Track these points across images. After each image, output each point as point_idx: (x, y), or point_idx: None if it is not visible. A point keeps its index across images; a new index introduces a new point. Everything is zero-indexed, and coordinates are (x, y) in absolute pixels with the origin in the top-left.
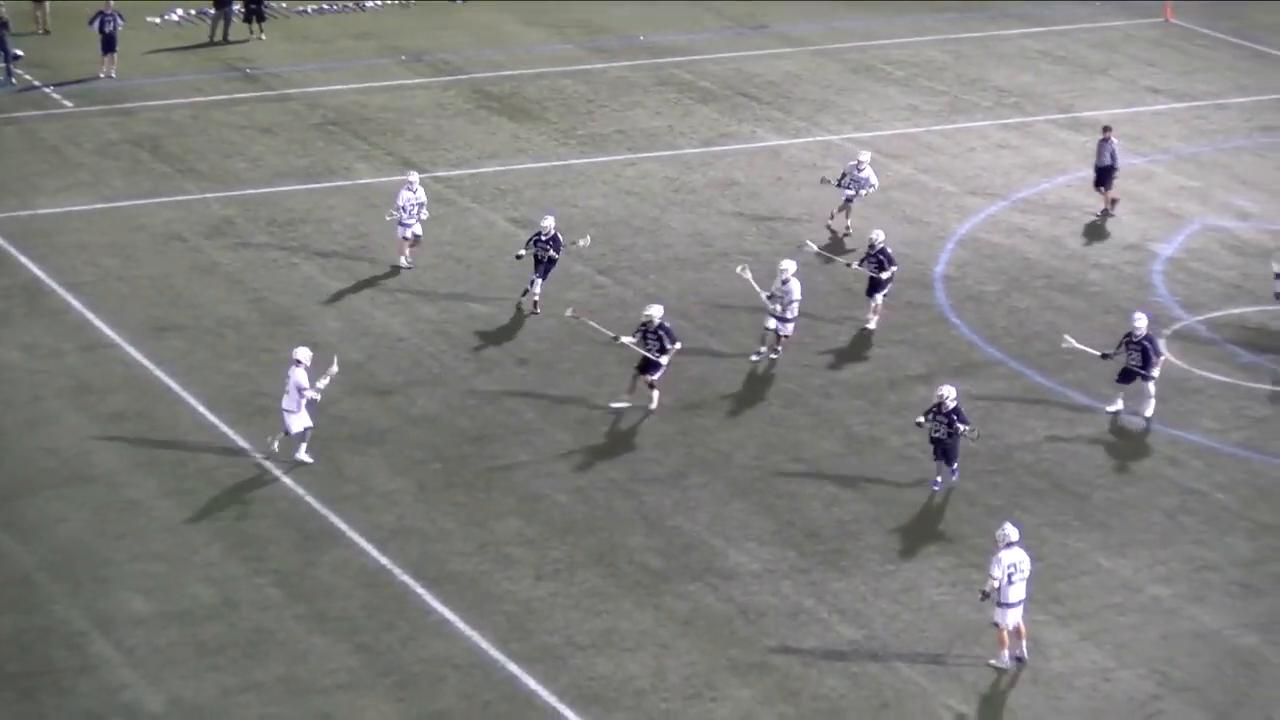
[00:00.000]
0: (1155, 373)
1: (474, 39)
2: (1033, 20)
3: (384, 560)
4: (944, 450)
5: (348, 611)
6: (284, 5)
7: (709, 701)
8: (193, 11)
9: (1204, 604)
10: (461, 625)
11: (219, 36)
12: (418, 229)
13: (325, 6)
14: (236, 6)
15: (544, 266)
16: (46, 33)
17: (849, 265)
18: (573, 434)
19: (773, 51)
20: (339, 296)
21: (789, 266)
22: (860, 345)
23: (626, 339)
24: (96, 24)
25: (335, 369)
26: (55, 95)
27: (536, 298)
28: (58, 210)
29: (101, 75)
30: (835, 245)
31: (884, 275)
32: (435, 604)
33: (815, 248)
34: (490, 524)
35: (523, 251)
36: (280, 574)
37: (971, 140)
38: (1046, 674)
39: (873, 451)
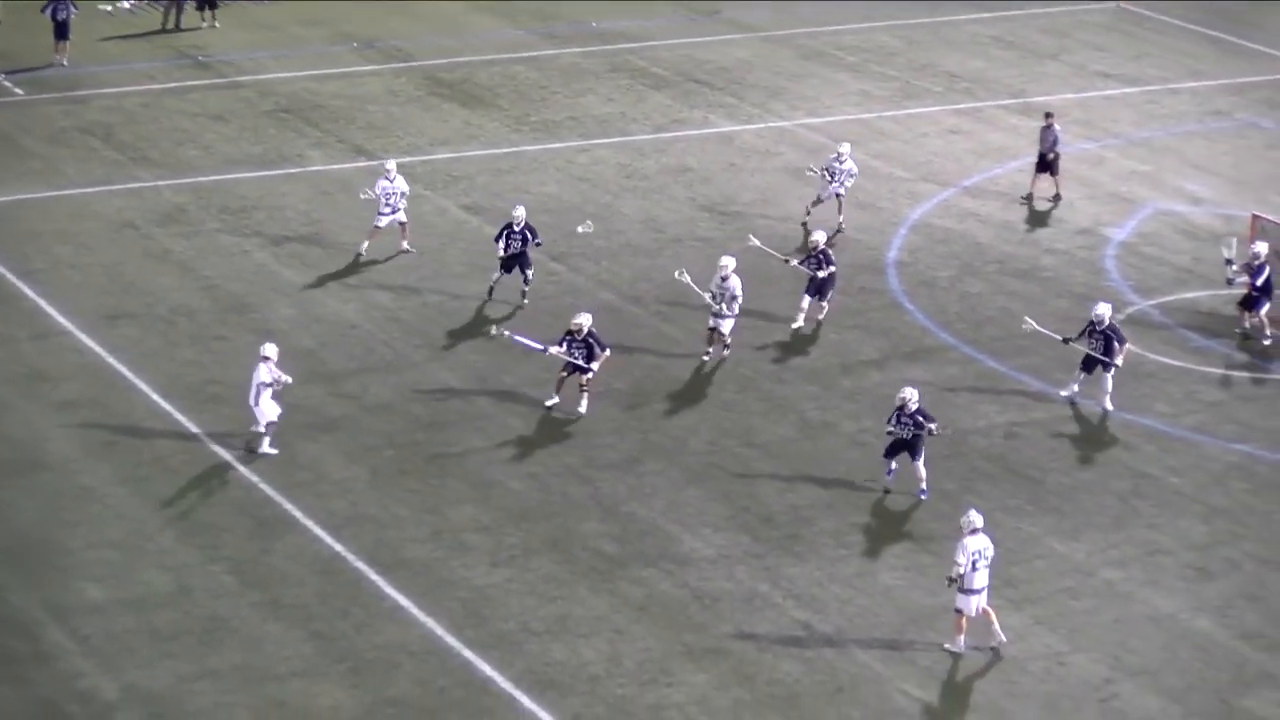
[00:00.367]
0: (1119, 360)
1: (426, 26)
2: (983, 6)
3: (338, 547)
4: (909, 448)
5: (302, 599)
6: None
7: (664, 687)
8: None
9: (1157, 588)
10: (416, 612)
11: (172, 24)
12: (402, 216)
13: None
14: None
15: (513, 260)
16: None
17: (787, 261)
18: (526, 421)
19: (725, 38)
20: (291, 284)
21: (729, 263)
22: (813, 331)
23: (554, 349)
24: (49, 11)
25: (288, 379)
26: (7, 83)
27: (494, 286)
28: (9, 198)
29: (54, 63)
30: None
31: (821, 274)
32: (390, 591)
33: (758, 242)
34: (444, 511)
35: (501, 249)
36: (235, 561)
37: (923, 126)
38: (1001, 658)
39: (826, 437)
